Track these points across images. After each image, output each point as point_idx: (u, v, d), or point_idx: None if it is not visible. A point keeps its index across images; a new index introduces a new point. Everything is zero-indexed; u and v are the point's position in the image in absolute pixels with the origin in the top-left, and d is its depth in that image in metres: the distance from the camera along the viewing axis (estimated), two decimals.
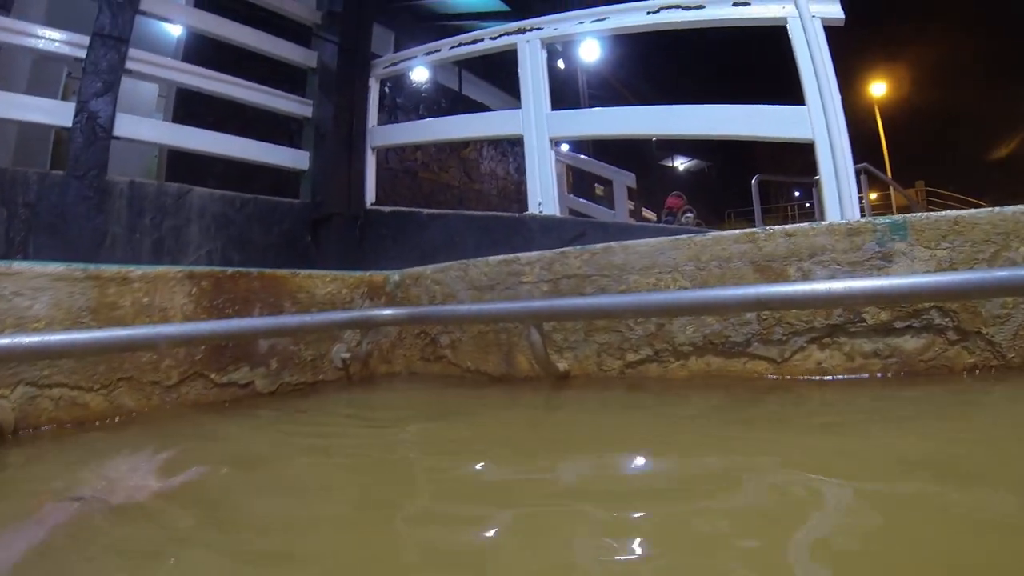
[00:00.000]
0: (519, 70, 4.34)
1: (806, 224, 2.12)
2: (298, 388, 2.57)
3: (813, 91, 3.40)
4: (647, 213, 13.71)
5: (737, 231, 2.17)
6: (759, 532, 0.98)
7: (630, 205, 9.32)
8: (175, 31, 6.95)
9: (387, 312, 2.65)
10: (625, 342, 2.32)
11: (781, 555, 0.89)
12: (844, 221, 2.07)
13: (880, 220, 1.99)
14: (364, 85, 4.95)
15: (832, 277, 1.99)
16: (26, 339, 1.76)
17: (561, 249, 2.49)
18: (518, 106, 4.33)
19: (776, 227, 2.13)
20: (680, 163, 22.19)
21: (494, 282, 2.64)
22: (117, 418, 2.05)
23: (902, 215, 1.98)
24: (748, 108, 3.62)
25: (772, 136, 3.62)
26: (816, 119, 3.37)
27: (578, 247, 2.46)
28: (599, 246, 2.39)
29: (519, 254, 2.58)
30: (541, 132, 4.18)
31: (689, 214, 9.62)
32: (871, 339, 2.00)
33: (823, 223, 2.08)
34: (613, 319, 2.31)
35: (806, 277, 2.04)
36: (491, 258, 2.66)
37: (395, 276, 2.99)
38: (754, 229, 2.14)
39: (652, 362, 2.28)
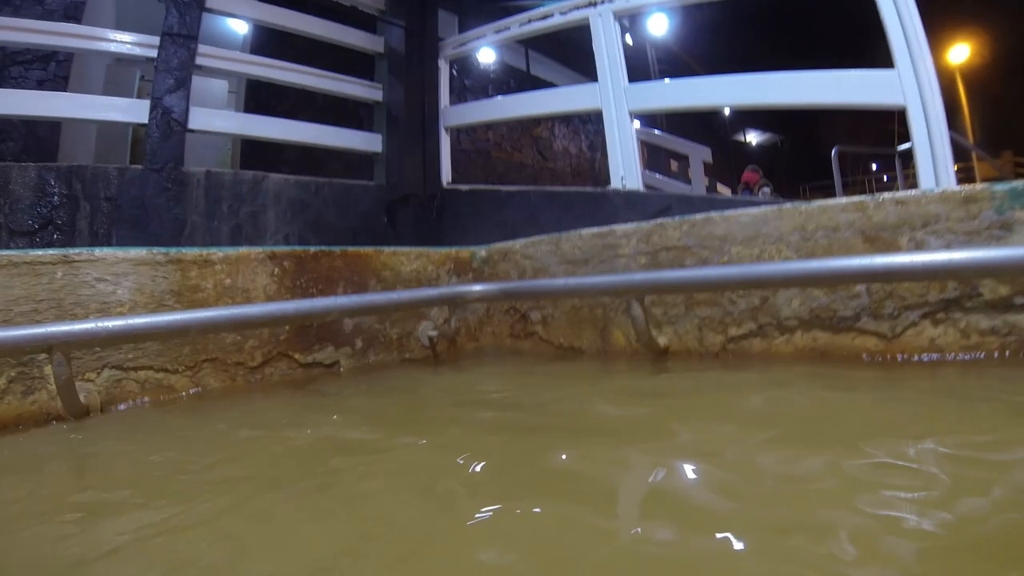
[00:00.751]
0: (593, 44, 4.19)
1: (918, 191, 1.93)
2: (384, 366, 2.48)
3: (903, 54, 3.13)
4: (721, 188, 13.31)
5: (844, 199, 2.01)
6: None
7: (705, 181, 9.07)
8: (241, 29, 7.05)
9: (478, 288, 2.53)
10: (727, 316, 2.19)
11: None
12: (959, 188, 1.85)
13: (999, 187, 1.77)
14: (433, 66, 4.86)
15: (948, 247, 1.80)
16: (110, 323, 1.74)
17: (659, 220, 2.36)
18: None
19: (886, 194, 1.96)
20: (753, 137, 21.47)
21: (588, 256, 2.52)
22: (201, 399, 2.02)
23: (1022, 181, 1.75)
24: (835, 74, 3.37)
25: (860, 103, 3.40)
26: (907, 84, 3.12)
27: (676, 218, 2.32)
28: (699, 216, 2.25)
29: (614, 226, 2.46)
30: (620, 105, 4.03)
31: (766, 188, 9.27)
32: (989, 315, 1.80)
33: (936, 190, 1.88)
34: (715, 292, 2.18)
35: (919, 247, 1.86)
36: (585, 231, 2.55)
37: (482, 252, 2.87)
38: (862, 197, 1.97)
39: (755, 337, 2.14)
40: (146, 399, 1.95)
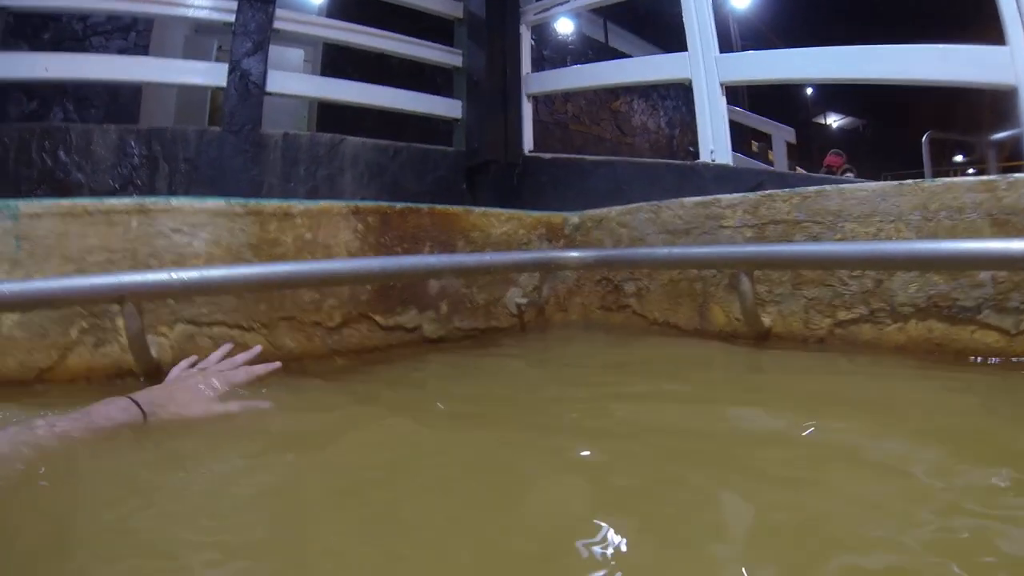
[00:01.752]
0: (683, 11, 3.92)
1: None
2: (469, 335, 2.34)
3: (1016, 31, 2.79)
4: (801, 171, 12.80)
5: (972, 178, 1.80)
6: None
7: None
8: None
9: (574, 254, 2.37)
10: (837, 298, 1.98)
11: None
12: None
13: None
14: (515, 32, 4.67)
15: None
16: (185, 274, 1.64)
17: (767, 191, 2.16)
18: None
19: (1020, 175, 1.72)
20: (834, 120, 20.63)
21: (690, 226, 2.33)
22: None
23: None
24: (941, 48, 3.04)
25: (965, 81, 3.07)
26: (1020, 62, 2.76)
27: (787, 190, 2.10)
28: (811, 189, 2.05)
29: (719, 196, 2.27)
30: (711, 76, 3.77)
31: (850, 174, 8.88)
32: None
33: None
34: (827, 271, 1.98)
35: None
36: (687, 199, 2.36)
37: (574, 218, 2.69)
38: (992, 176, 1.75)
39: (866, 323, 1.93)
40: None
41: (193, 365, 1.48)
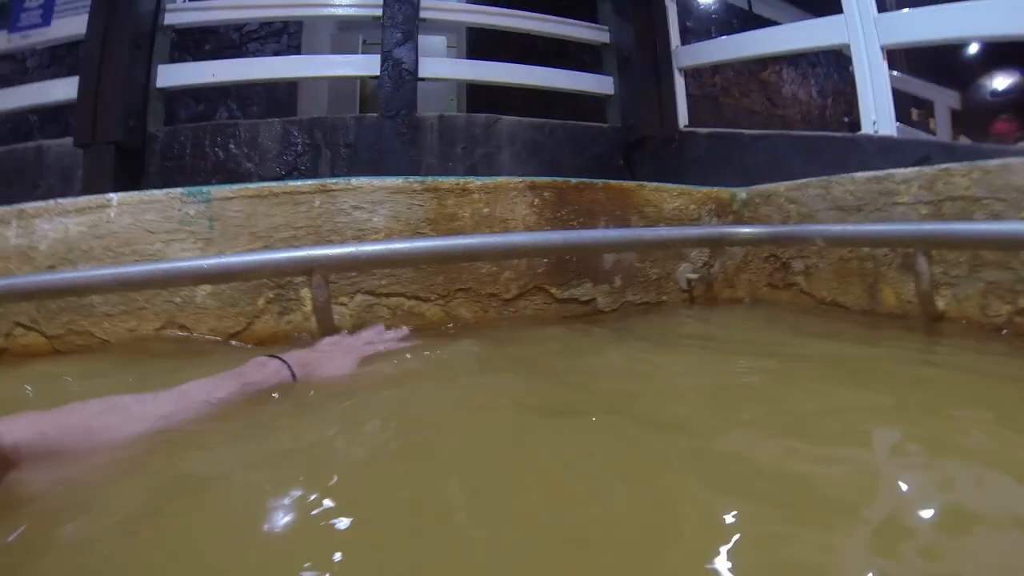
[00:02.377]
0: None
1: None
2: (640, 308, 2.28)
3: None
4: (964, 141, 11.81)
5: None
6: None
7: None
8: None
9: (746, 230, 2.26)
10: (1020, 282, 1.74)
11: None
12: None
13: None
14: (660, 4, 4.50)
15: None
16: (369, 247, 1.69)
17: (944, 165, 1.94)
18: None
19: None
20: (1001, 82, 18.93)
21: (861, 202, 2.15)
22: (451, 327, 1.98)
23: None
24: None
25: None
26: None
27: (966, 163, 1.87)
28: (994, 162, 1.80)
29: (892, 171, 2.08)
30: (871, 38, 3.46)
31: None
32: None
33: None
34: (1009, 253, 1.75)
35: None
36: (858, 174, 2.18)
37: (742, 193, 2.57)
38: None
39: None
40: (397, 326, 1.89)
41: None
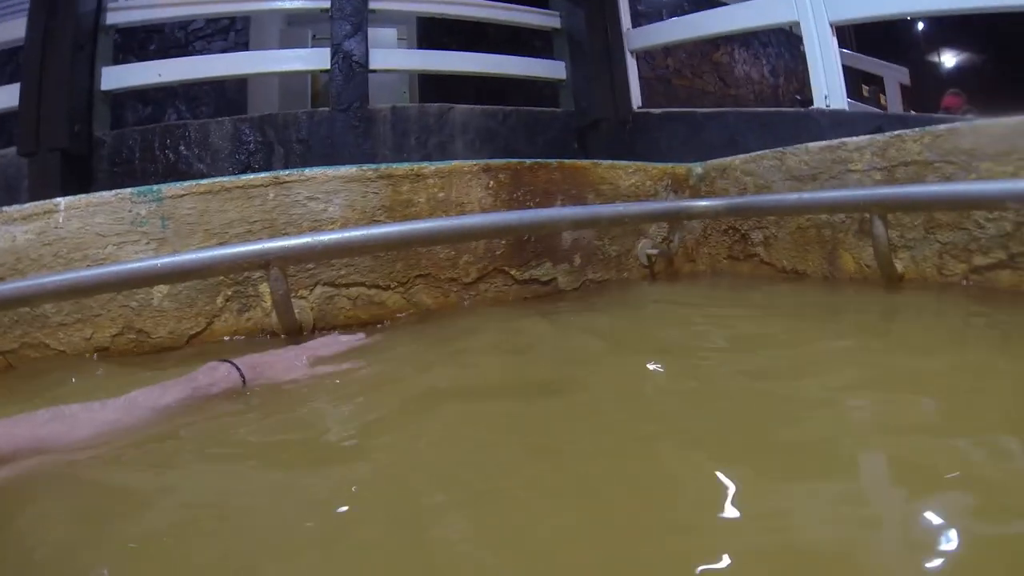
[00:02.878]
0: None
1: None
2: (601, 285, 2.30)
3: None
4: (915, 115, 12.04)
5: None
6: None
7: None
8: None
9: (704, 203, 2.29)
10: (973, 242, 1.82)
11: None
12: None
13: None
14: None
15: None
16: (326, 237, 1.67)
17: (896, 132, 2.01)
18: None
19: None
20: (949, 58, 19.27)
21: (816, 171, 2.21)
22: (413, 315, 1.97)
23: None
24: None
25: None
26: None
27: (917, 129, 1.94)
28: (942, 127, 1.88)
29: (845, 139, 2.15)
30: (820, 16, 3.53)
31: (971, 116, 8.22)
32: None
33: None
34: (961, 214, 1.83)
35: None
36: (812, 144, 2.24)
37: (698, 168, 2.61)
38: None
39: (1004, 268, 1.76)
40: (359, 317, 1.91)
41: None
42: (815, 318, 1.74)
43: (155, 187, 1.82)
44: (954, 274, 1.87)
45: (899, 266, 1.98)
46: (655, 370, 1.21)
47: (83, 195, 1.82)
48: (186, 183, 1.84)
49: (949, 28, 15.58)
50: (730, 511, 0.65)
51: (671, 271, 2.51)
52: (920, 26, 14.67)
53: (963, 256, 1.85)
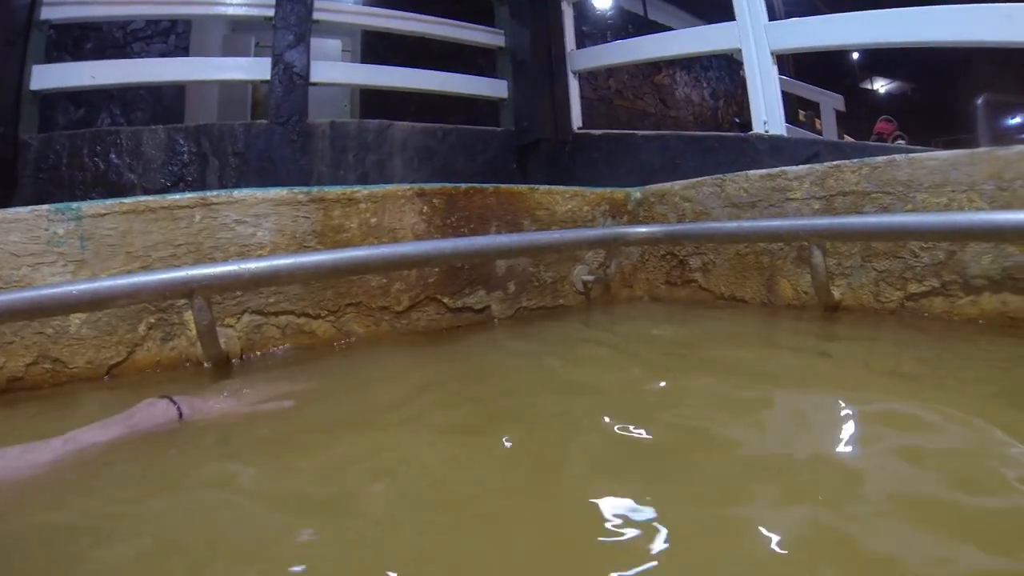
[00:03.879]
0: None
1: None
2: (536, 312, 2.29)
3: None
4: (849, 140, 12.40)
5: None
6: None
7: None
8: None
9: (642, 229, 2.29)
10: (908, 270, 1.91)
11: None
12: None
13: None
14: (557, 9, 4.57)
15: None
16: (253, 264, 1.59)
17: (835, 162, 2.09)
18: None
19: None
20: (881, 85, 19.92)
21: (756, 199, 2.26)
22: (344, 344, 1.92)
23: None
24: (1005, 8, 2.87)
25: None
26: None
27: (856, 160, 2.03)
28: (881, 159, 1.97)
29: (785, 168, 2.21)
30: (761, 45, 3.64)
31: (901, 140, 8.56)
32: None
33: None
34: (896, 243, 1.91)
35: None
36: (752, 172, 2.29)
37: (636, 193, 2.63)
38: None
39: (937, 295, 1.86)
40: (287, 345, 1.85)
41: None
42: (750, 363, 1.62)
43: (74, 205, 1.73)
44: (890, 301, 1.94)
45: (836, 293, 2.03)
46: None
47: None
48: (108, 201, 1.75)
49: (881, 58, 16.20)
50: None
51: (607, 297, 2.51)
52: (855, 56, 15.20)
53: (899, 284, 1.93)
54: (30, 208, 1.72)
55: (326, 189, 1.90)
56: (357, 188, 1.94)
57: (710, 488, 0.82)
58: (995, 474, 0.79)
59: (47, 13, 3.74)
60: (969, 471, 0.80)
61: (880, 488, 0.77)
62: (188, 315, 1.73)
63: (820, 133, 8.84)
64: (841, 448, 0.93)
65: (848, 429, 1.01)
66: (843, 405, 1.09)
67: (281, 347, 1.84)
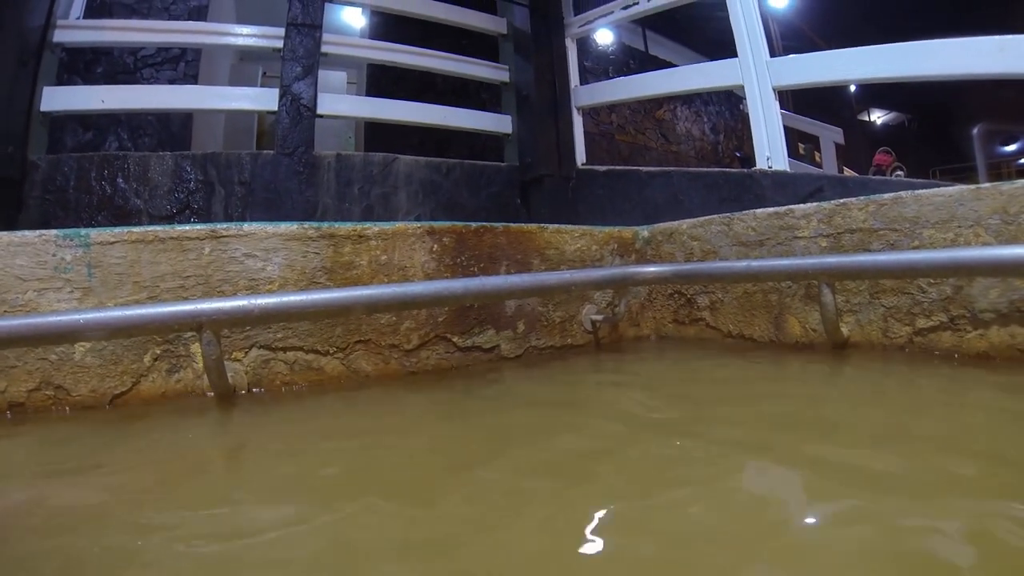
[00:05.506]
0: (731, 15, 3.88)
1: None
2: (544, 352, 2.27)
3: None
4: (848, 172, 12.52)
5: None
6: None
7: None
8: (358, 22, 7.11)
9: (651, 269, 2.28)
10: (916, 306, 1.91)
11: None
12: None
13: None
14: (561, 45, 4.64)
15: None
16: (263, 300, 1.59)
17: (841, 200, 2.10)
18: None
19: None
20: (878, 117, 20.09)
21: (763, 237, 2.27)
22: (352, 383, 1.89)
23: None
24: (998, 40, 2.96)
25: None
26: None
27: (862, 197, 2.04)
28: (887, 196, 1.98)
29: (792, 206, 2.21)
30: (764, 81, 3.71)
31: (900, 172, 8.62)
32: None
33: None
34: (905, 280, 1.91)
35: None
36: (759, 211, 2.30)
37: (644, 232, 2.64)
38: None
39: (946, 330, 1.86)
40: (295, 381, 1.83)
41: None
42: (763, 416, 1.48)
43: (83, 231, 1.73)
44: (899, 336, 1.94)
45: (845, 330, 2.03)
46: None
47: (4, 232, 1.72)
48: (116, 229, 1.75)
49: (878, 90, 16.39)
50: None
51: (615, 336, 2.50)
52: (852, 88, 15.38)
53: (907, 319, 1.93)
54: (38, 232, 1.71)
55: (336, 225, 1.90)
56: (368, 225, 1.94)
57: None
58: None
59: (60, 36, 3.78)
60: None
61: None
62: (195, 347, 1.72)
63: (820, 166, 8.92)
64: None
65: None
66: None
67: (289, 383, 1.82)
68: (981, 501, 0.87)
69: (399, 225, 1.99)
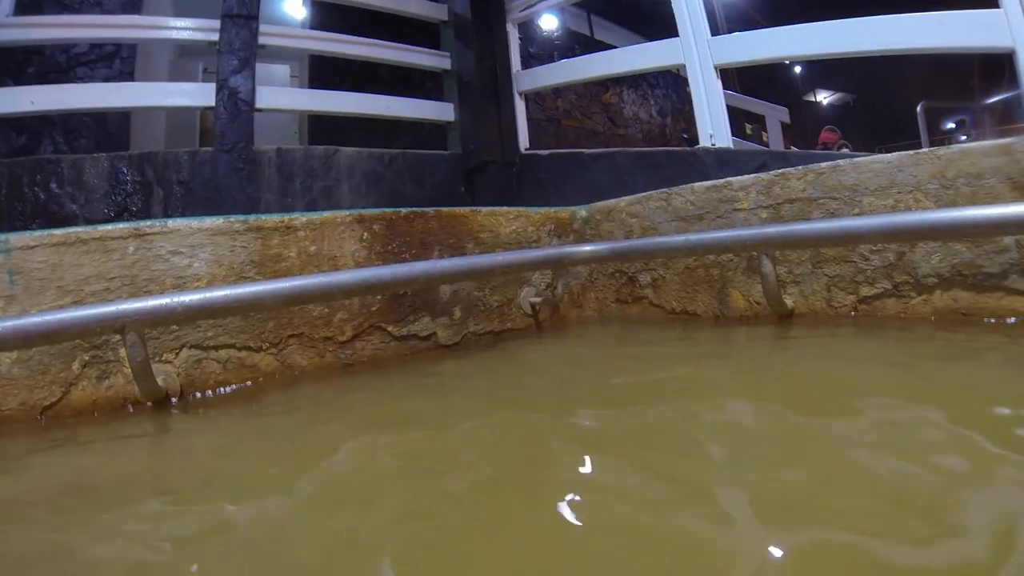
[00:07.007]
0: None
1: None
2: (483, 338, 2.27)
3: None
4: (796, 150, 12.71)
5: (987, 142, 1.75)
6: None
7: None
8: (299, 14, 7.01)
9: (588, 248, 2.29)
10: (859, 274, 1.95)
11: None
12: None
13: None
14: (502, 30, 4.62)
15: None
16: (186, 297, 1.56)
17: (780, 170, 2.12)
18: None
19: None
20: (824, 97, 20.42)
21: (703, 211, 2.29)
22: (287, 378, 1.87)
23: None
24: (936, 16, 3.02)
25: (962, 46, 3.03)
26: (1016, 23, 2.73)
27: (801, 167, 2.06)
28: (825, 165, 2.01)
29: (730, 179, 2.23)
30: (705, 59, 3.73)
31: (846, 149, 8.79)
32: None
33: None
34: (846, 248, 1.95)
35: None
36: (697, 184, 2.32)
37: (582, 212, 2.64)
38: (1009, 139, 1.70)
39: (890, 297, 1.90)
40: (228, 381, 1.80)
41: None
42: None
43: (3, 236, 1.66)
44: (843, 305, 1.97)
45: (789, 301, 2.06)
46: None
47: None
48: (37, 233, 1.69)
49: (824, 70, 16.69)
50: None
51: (557, 318, 2.50)
52: (798, 69, 15.63)
53: (851, 288, 1.96)
54: None
55: (263, 217, 1.87)
56: (295, 216, 1.91)
57: None
58: None
59: None
60: None
61: None
62: (123, 352, 1.66)
63: (767, 145, 9.04)
64: None
65: None
66: None
67: (223, 383, 1.79)
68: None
69: (327, 215, 1.97)
